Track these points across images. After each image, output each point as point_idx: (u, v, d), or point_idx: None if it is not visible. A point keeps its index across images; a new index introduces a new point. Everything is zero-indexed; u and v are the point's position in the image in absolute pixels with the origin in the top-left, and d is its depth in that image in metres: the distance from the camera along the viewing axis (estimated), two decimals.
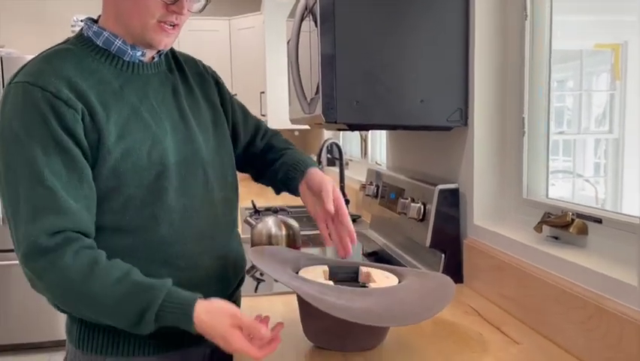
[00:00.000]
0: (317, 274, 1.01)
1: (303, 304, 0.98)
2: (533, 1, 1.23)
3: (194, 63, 1.20)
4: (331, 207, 1.03)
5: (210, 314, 0.87)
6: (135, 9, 0.97)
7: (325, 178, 1.10)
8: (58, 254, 0.86)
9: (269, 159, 1.25)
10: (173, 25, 1.00)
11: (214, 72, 1.24)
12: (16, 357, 3.14)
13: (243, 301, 1.27)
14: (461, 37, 1.32)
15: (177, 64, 1.15)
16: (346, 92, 1.27)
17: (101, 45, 1.00)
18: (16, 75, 0.94)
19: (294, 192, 1.17)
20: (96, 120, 0.93)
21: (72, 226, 0.89)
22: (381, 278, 1.02)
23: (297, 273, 1.01)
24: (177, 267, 1.01)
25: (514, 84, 1.29)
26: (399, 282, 1.01)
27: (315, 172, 1.13)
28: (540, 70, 1.24)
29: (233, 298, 1.16)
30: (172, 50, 1.16)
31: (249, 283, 1.48)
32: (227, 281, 1.12)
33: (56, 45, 1.01)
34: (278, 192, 1.25)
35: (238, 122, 1.24)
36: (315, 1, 1.27)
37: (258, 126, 1.30)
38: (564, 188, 2.40)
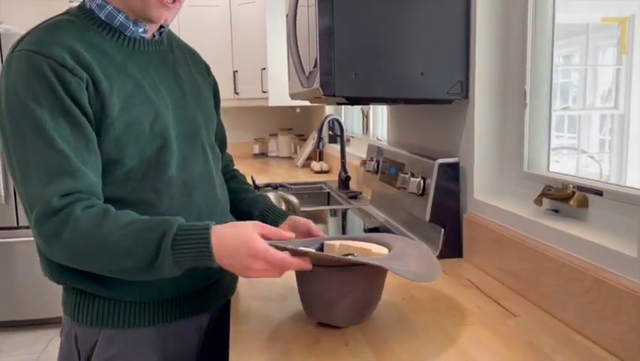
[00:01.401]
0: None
1: (305, 281, 0.97)
2: None
3: (198, 57, 1.23)
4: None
5: (227, 228, 0.88)
6: None
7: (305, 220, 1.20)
8: (69, 210, 0.86)
9: (232, 185, 1.29)
10: (174, 0, 0.99)
11: (214, 77, 1.26)
12: (24, 333, 3.18)
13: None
14: (462, 8, 1.29)
15: (180, 49, 1.16)
16: (345, 65, 1.25)
17: (103, 18, 0.99)
18: (17, 44, 0.93)
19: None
20: (100, 91, 0.93)
21: (84, 188, 0.89)
22: (374, 247, 1.01)
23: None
24: None
25: (516, 56, 1.27)
26: (389, 250, 1.01)
27: (295, 219, 1.20)
28: (543, 41, 1.21)
29: (230, 274, 1.16)
30: (178, 38, 1.18)
31: None
32: None
33: (57, 15, 1.00)
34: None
35: (216, 131, 1.25)
36: None
37: (224, 143, 1.32)
38: (568, 165, 2.38)
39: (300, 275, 0.97)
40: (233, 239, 0.86)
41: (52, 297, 3.16)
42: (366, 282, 0.93)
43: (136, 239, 0.86)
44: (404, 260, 0.92)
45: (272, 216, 1.22)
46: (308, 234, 1.16)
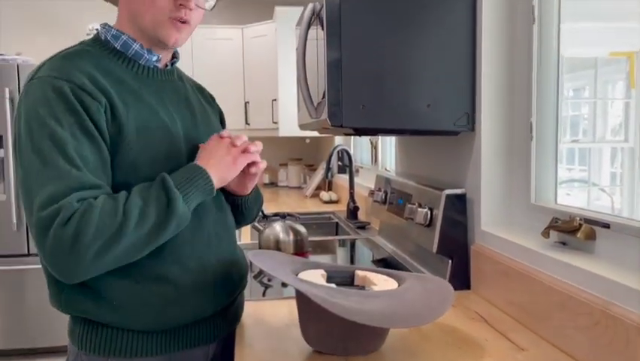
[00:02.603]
0: (316, 277, 1.00)
1: (304, 308, 0.97)
2: (541, 5, 1.22)
3: (202, 88, 1.27)
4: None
5: (207, 155, 1.01)
6: (146, 7, 0.99)
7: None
8: (85, 206, 0.87)
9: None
10: (184, 22, 1.02)
11: (219, 106, 1.30)
12: None
13: (249, 305, 1.27)
14: (468, 41, 1.31)
15: (188, 81, 1.20)
16: (352, 96, 1.27)
17: (118, 48, 1.03)
18: (36, 72, 0.95)
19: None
20: (117, 116, 0.95)
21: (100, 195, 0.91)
22: (380, 281, 1.01)
23: (297, 276, 1.01)
24: (186, 267, 1.01)
25: (522, 89, 1.28)
26: (398, 285, 1.01)
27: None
28: (548, 74, 1.23)
29: (237, 301, 1.17)
30: (184, 73, 1.22)
31: (256, 288, 1.48)
32: (232, 284, 1.12)
33: (72, 46, 1.04)
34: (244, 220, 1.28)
35: None
36: (322, 7, 1.28)
37: None
38: (580, 197, 2.36)
39: (300, 300, 0.98)
40: (209, 150, 1.02)
41: (61, 326, 3.16)
42: (330, 314, 0.90)
43: (144, 197, 0.92)
44: (383, 300, 0.91)
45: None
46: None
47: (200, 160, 1.00)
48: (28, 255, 3.19)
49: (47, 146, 0.88)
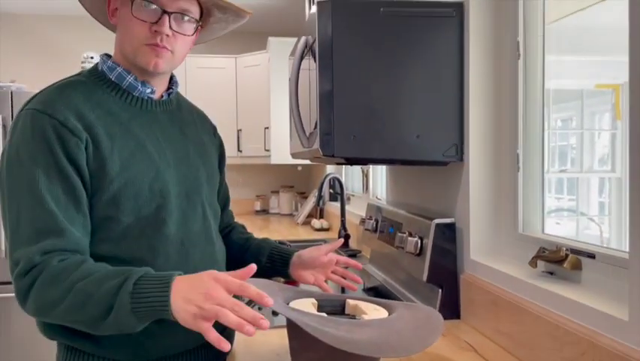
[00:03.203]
0: (307, 306, 1.00)
1: (295, 337, 0.97)
2: (526, 41, 1.26)
3: (205, 118, 1.27)
4: (330, 256, 1.23)
5: (189, 277, 0.83)
6: (126, 36, 1.01)
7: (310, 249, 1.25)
8: (46, 262, 0.88)
9: (234, 238, 1.31)
10: (163, 47, 1.01)
11: (220, 137, 1.30)
12: None
13: (239, 334, 1.26)
14: (456, 75, 1.35)
15: (188, 110, 1.21)
16: (344, 127, 1.30)
17: (113, 79, 1.04)
18: (28, 102, 0.98)
19: (285, 275, 1.27)
20: (100, 150, 0.96)
21: (70, 246, 0.91)
22: (371, 310, 1.02)
23: (288, 305, 1.01)
24: None
25: (508, 121, 1.31)
26: (388, 314, 1.01)
27: (299, 253, 1.26)
28: (534, 106, 1.26)
29: (226, 330, 1.16)
30: (187, 100, 1.23)
31: None
32: None
33: (70, 76, 1.06)
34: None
35: (220, 190, 1.28)
36: (315, 39, 1.31)
37: (227, 201, 1.35)
38: (569, 227, 2.39)
39: (291, 329, 0.98)
40: (195, 275, 0.84)
41: (50, 355, 3.10)
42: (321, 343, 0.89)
43: (99, 285, 0.84)
44: (374, 329, 0.91)
45: (278, 258, 1.24)
46: (320, 263, 1.21)
47: (180, 283, 0.82)
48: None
49: (22, 186, 0.91)
